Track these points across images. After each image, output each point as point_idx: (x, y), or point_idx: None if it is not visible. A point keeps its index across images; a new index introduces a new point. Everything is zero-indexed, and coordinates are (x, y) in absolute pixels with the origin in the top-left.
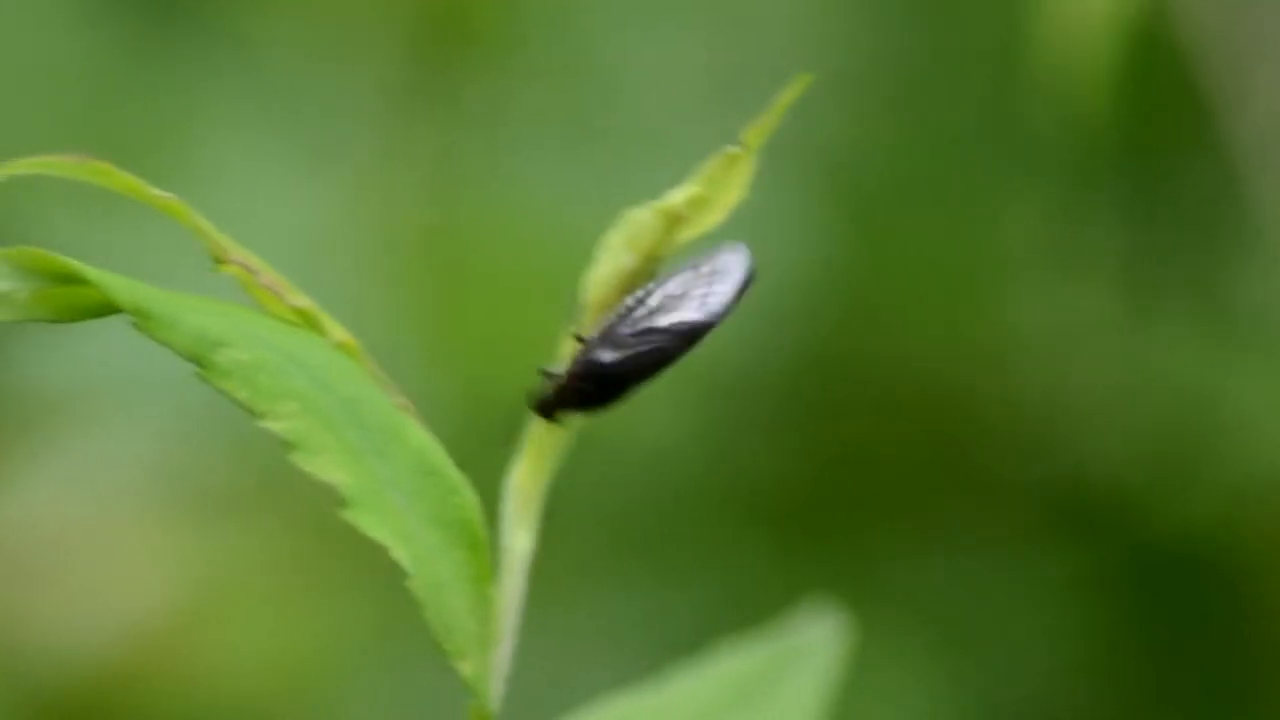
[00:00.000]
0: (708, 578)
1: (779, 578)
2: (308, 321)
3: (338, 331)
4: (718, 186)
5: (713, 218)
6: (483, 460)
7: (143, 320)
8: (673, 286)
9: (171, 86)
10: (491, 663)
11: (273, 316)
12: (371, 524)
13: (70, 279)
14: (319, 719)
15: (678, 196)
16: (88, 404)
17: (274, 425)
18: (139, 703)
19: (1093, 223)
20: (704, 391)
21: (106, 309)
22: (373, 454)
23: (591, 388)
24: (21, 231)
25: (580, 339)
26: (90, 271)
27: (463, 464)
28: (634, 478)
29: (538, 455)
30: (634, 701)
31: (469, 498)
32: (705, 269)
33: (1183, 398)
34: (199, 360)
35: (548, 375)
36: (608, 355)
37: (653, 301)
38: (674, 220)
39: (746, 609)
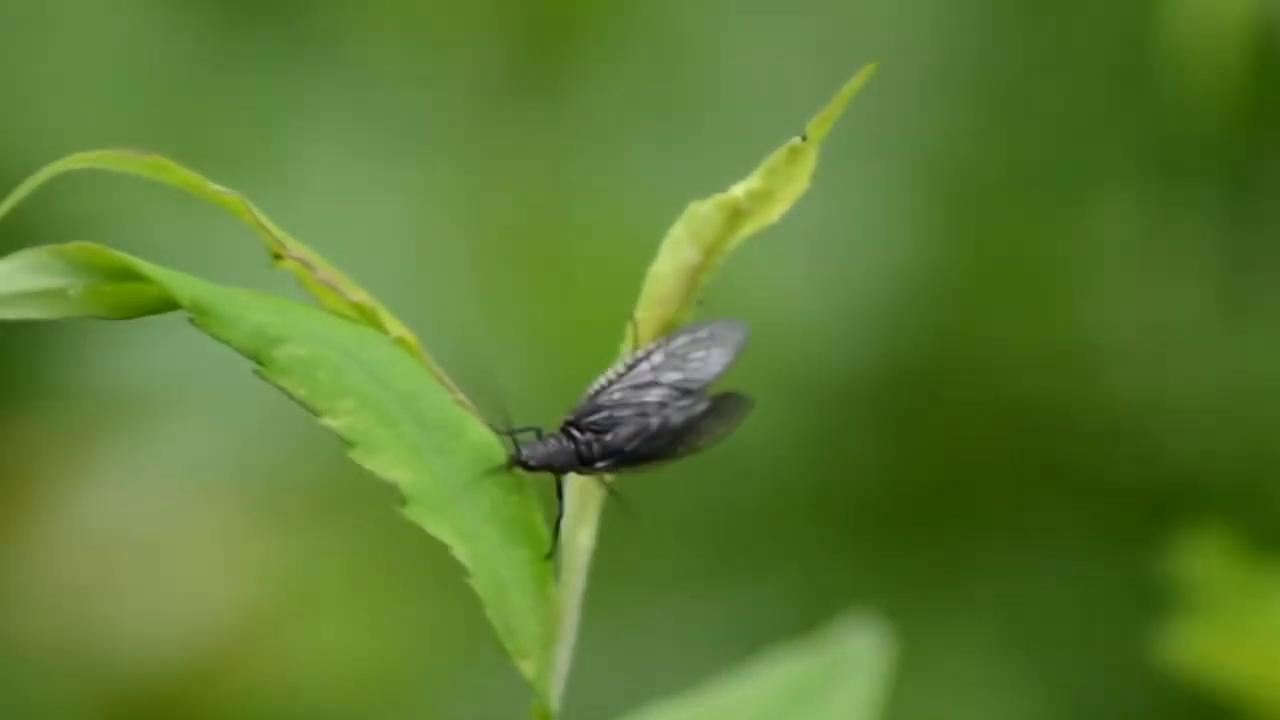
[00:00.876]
0: (795, 581)
1: (869, 582)
2: (367, 317)
3: (397, 327)
4: (780, 179)
5: (775, 211)
6: None
7: (200, 316)
8: (669, 349)
9: (261, 85)
10: (553, 661)
11: (331, 312)
12: (432, 522)
13: (127, 275)
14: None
15: (739, 189)
16: (167, 402)
17: (332, 422)
18: (216, 703)
19: (1191, 224)
20: (796, 392)
21: (164, 305)
22: (433, 451)
23: (584, 439)
24: (93, 229)
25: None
26: (146, 267)
27: None
28: (722, 478)
29: None
30: (678, 708)
31: (529, 495)
32: (703, 334)
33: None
34: (257, 357)
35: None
36: (604, 403)
37: (649, 362)
38: (736, 214)
39: (835, 614)
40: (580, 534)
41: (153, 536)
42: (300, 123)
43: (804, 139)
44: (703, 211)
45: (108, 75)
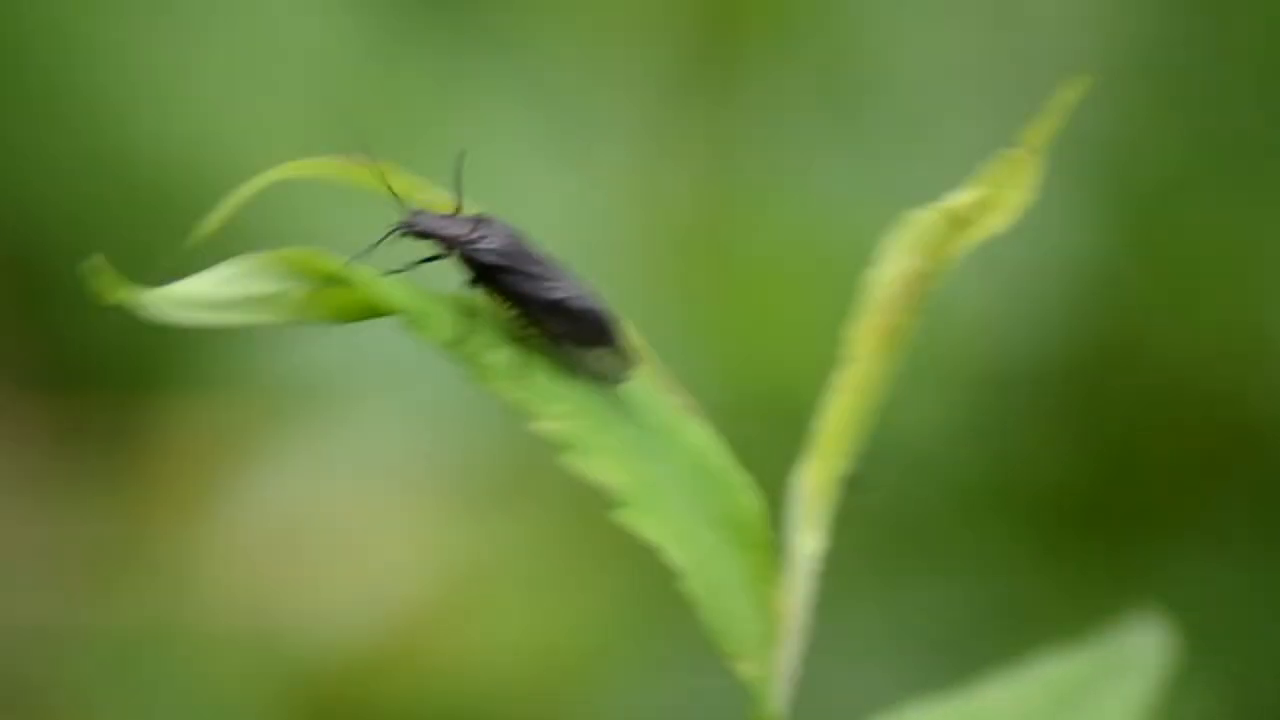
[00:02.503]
0: (974, 578)
1: (1048, 579)
2: None
3: None
4: (1002, 188)
5: (998, 220)
6: (752, 456)
7: (413, 322)
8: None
9: (434, 77)
10: (776, 664)
11: None
12: (646, 525)
13: (340, 281)
14: (577, 709)
15: (962, 198)
16: (350, 390)
17: (547, 426)
18: (396, 691)
19: None
20: (974, 387)
21: (374, 311)
22: (650, 455)
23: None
24: (276, 229)
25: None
26: (358, 274)
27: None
28: (897, 472)
29: (829, 453)
30: (946, 706)
31: (752, 498)
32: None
33: None
34: (470, 361)
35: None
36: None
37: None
38: (959, 222)
39: (1016, 611)
40: (806, 537)
41: (335, 524)
42: (473, 113)
43: (1025, 147)
44: (925, 220)
45: (279, 61)
